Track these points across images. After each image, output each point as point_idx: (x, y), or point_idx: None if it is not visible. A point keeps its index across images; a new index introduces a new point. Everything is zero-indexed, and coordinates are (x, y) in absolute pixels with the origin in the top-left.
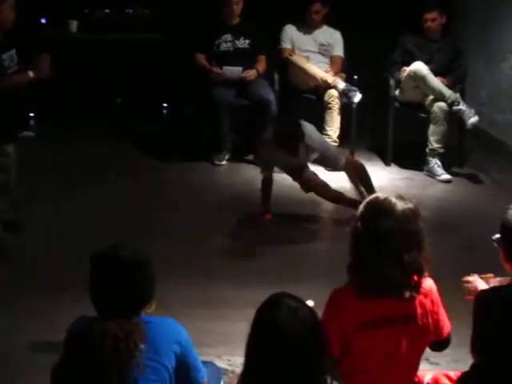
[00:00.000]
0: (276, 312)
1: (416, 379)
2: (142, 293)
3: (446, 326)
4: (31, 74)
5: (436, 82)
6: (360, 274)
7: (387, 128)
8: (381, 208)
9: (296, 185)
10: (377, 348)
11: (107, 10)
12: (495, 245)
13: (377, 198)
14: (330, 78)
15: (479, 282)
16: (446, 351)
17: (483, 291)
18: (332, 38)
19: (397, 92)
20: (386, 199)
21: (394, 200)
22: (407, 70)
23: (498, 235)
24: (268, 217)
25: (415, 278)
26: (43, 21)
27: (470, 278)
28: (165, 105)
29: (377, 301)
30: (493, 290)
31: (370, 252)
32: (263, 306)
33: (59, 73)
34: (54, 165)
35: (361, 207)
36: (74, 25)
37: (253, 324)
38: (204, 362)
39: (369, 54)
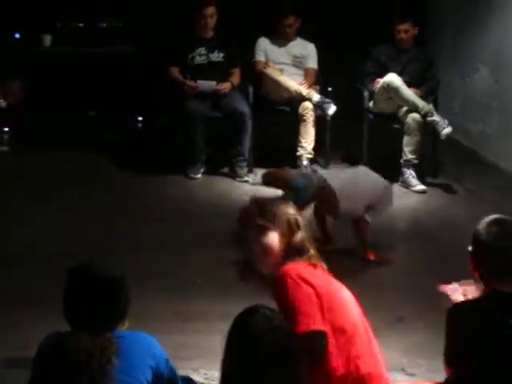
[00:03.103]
0: (251, 321)
1: None
2: (117, 309)
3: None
4: (3, 103)
5: (409, 94)
6: None
7: (361, 139)
8: None
9: None
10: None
11: (80, 24)
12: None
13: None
14: (304, 90)
15: (456, 294)
16: (421, 361)
17: (455, 304)
18: (306, 50)
19: (371, 103)
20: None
21: None
22: (380, 81)
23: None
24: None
25: None
26: (17, 35)
27: (450, 287)
28: (139, 118)
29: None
30: (464, 303)
31: None
32: (239, 316)
33: (33, 86)
34: (28, 178)
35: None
36: (47, 39)
37: (229, 333)
38: (180, 377)
39: (342, 66)
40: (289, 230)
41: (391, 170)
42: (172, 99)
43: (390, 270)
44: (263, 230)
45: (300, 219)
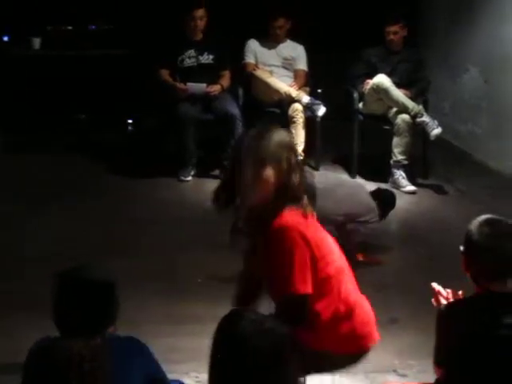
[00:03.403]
0: (238, 324)
1: None
2: (107, 312)
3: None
4: None
5: (399, 95)
6: None
7: (352, 140)
8: None
9: None
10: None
11: (70, 27)
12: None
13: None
14: (293, 91)
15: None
16: (413, 362)
17: (446, 305)
18: (295, 51)
19: (360, 105)
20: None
21: None
22: (370, 82)
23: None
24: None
25: None
26: (5, 38)
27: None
28: (130, 120)
29: None
30: (454, 303)
31: None
32: (224, 320)
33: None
34: (19, 182)
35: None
36: (36, 42)
37: (215, 338)
38: (171, 380)
39: (332, 68)
40: (288, 168)
41: (381, 171)
42: (163, 102)
43: (381, 271)
44: (262, 163)
45: (300, 162)
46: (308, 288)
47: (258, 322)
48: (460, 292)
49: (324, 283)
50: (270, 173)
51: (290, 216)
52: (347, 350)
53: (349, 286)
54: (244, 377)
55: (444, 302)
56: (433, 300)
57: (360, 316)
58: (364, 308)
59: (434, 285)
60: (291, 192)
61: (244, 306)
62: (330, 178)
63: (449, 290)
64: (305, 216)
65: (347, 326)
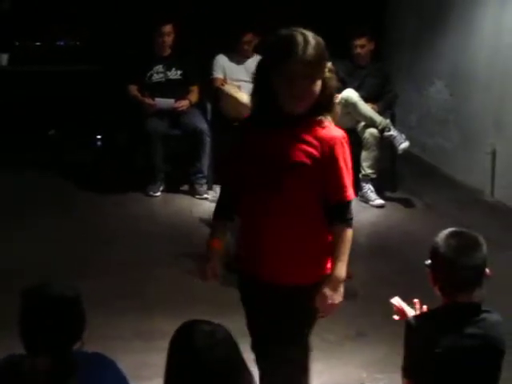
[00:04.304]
0: (191, 337)
1: None
2: (72, 329)
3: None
4: None
5: (366, 109)
6: None
7: None
8: None
9: None
10: None
11: (38, 43)
12: (428, 269)
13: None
14: None
15: (407, 308)
16: (381, 376)
17: (413, 316)
18: None
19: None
20: None
21: None
22: (339, 97)
23: (430, 260)
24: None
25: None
26: None
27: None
28: (98, 136)
29: None
30: (421, 315)
31: None
32: (177, 334)
33: None
34: None
35: None
36: (4, 58)
37: (169, 353)
38: None
39: None
40: (329, 76)
41: None
42: (131, 117)
43: (349, 285)
44: (317, 75)
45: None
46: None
47: (209, 334)
48: (425, 306)
49: None
50: (319, 84)
51: (338, 128)
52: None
53: None
54: None
55: (412, 313)
56: (395, 316)
57: None
58: None
59: (394, 302)
60: (327, 100)
61: (224, 215)
62: None
63: (416, 300)
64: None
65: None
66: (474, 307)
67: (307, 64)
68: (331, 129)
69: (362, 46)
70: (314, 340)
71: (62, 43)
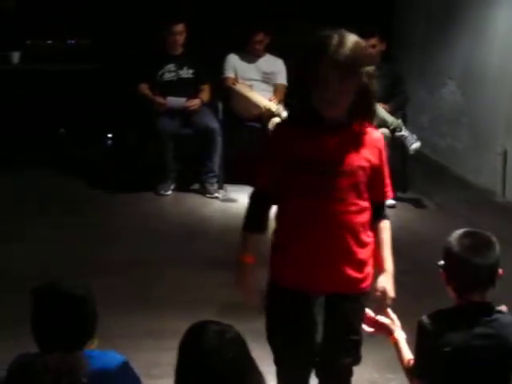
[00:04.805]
0: (201, 338)
1: None
2: (84, 327)
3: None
4: None
5: (378, 109)
6: None
7: None
8: None
9: None
10: None
11: (49, 41)
12: (440, 270)
13: None
14: (273, 106)
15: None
16: (392, 376)
17: (426, 316)
18: (275, 66)
19: None
20: None
21: None
22: None
23: (442, 261)
24: None
25: None
26: None
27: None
28: (109, 135)
29: None
30: (435, 314)
31: None
32: (187, 335)
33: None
34: None
35: None
36: (16, 56)
37: (179, 354)
38: None
39: None
40: (368, 81)
41: None
42: (142, 116)
43: None
44: (350, 79)
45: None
46: None
47: (219, 335)
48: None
49: None
50: (353, 88)
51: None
52: None
53: None
54: None
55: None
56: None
57: None
58: None
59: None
60: (366, 107)
61: (257, 227)
62: None
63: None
64: None
65: None
66: (487, 307)
67: (338, 66)
68: (373, 131)
69: (373, 46)
70: None
71: (73, 42)
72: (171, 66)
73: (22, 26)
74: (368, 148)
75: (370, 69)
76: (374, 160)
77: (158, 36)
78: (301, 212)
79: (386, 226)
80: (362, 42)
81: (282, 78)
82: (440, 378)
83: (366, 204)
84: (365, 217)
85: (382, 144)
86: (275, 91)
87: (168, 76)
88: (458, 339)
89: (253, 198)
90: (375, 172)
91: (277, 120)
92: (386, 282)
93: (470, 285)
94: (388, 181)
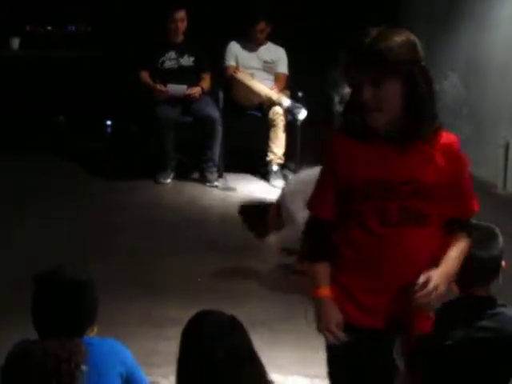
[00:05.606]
0: (202, 328)
1: None
2: (84, 313)
3: None
4: None
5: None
6: None
7: None
8: None
9: None
10: None
11: (49, 27)
12: None
13: None
14: (274, 95)
15: None
16: None
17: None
18: (276, 55)
19: (341, 108)
20: None
21: None
22: None
23: None
24: None
25: None
26: None
27: None
28: (108, 122)
29: None
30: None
31: None
32: (188, 326)
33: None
34: None
35: None
36: (15, 42)
37: (180, 343)
38: (150, 383)
39: (313, 70)
40: (411, 80)
41: None
42: (142, 104)
43: None
44: (385, 79)
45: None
46: None
47: (220, 324)
48: None
49: None
50: (393, 90)
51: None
52: None
53: None
54: (210, 379)
55: None
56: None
57: None
58: None
59: None
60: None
61: (324, 256)
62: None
63: None
64: None
65: None
66: (490, 300)
67: (366, 64)
68: (447, 135)
69: None
70: None
71: (72, 28)
72: (172, 54)
73: (22, 11)
74: (444, 158)
75: (417, 67)
76: (452, 171)
77: (159, 23)
78: (370, 239)
79: (465, 248)
80: (406, 40)
81: (283, 67)
82: (440, 371)
83: (442, 224)
84: (439, 239)
85: (459, 148)
86: (276, 80)
87: (169, 64)
88: (459, 332)
89: (310, 225)
90: (453, 185)
91: (277, 109)
92: (434, 273)
93: (473, 278)
94: (472, 193)
